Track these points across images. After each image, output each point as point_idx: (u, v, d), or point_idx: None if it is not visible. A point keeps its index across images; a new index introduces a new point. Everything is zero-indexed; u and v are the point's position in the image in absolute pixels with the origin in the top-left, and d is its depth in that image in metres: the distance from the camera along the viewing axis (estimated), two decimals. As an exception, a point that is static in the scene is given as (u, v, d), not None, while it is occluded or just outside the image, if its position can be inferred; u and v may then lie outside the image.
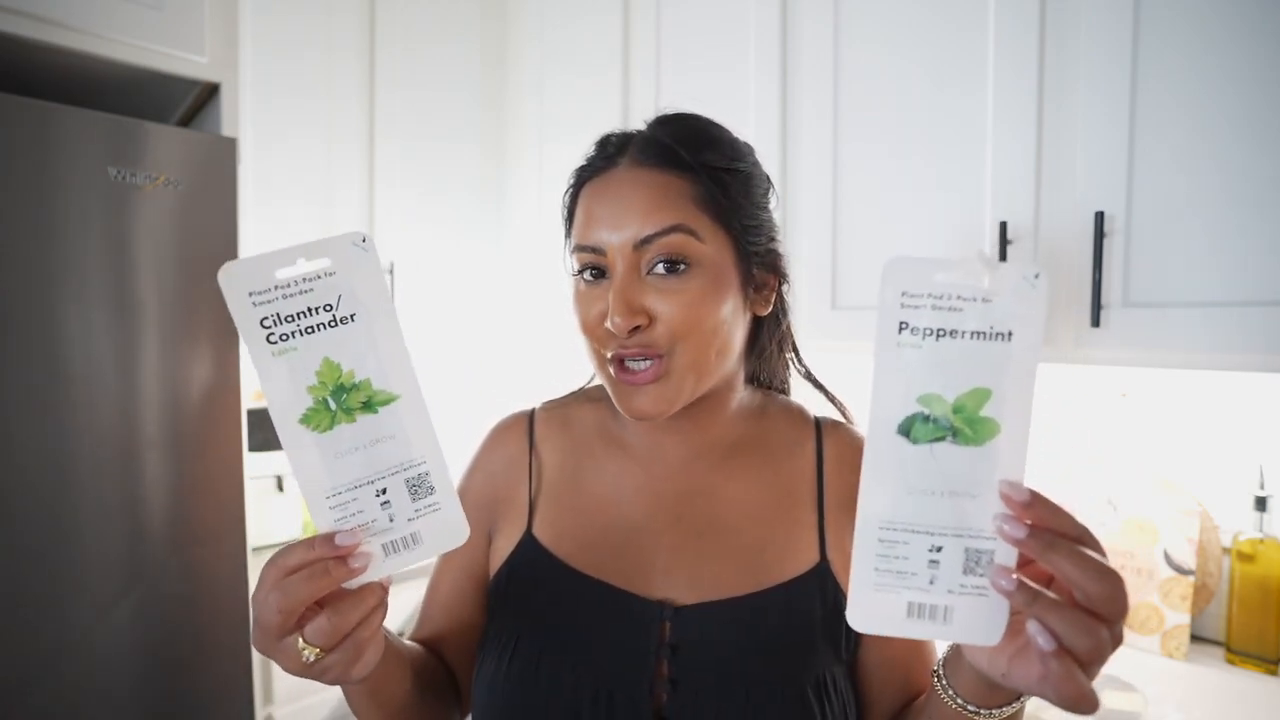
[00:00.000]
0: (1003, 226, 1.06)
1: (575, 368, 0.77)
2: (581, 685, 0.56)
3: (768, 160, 0.73)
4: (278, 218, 1.58)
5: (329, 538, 0.42)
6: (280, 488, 1.80)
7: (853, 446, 0.65)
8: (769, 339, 0.67)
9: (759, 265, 0.61)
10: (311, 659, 0.42)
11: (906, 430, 0.39)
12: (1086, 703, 0.37)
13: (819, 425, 0.67)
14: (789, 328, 0.68)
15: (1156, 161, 0.95)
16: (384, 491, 0.44)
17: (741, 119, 1.41)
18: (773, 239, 0.63)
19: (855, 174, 1.27)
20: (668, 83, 1.58)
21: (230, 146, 1.25)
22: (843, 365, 1.56)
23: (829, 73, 1.29)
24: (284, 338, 0.41)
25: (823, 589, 0.59)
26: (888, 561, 0.40)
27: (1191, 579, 1.14)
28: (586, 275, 0.59)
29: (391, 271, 1.74)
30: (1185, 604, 1.13)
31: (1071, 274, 1.02)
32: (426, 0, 1.80)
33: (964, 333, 0.38)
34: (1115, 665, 1.10)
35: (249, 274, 0.41)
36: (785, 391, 0.72)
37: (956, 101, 1.14)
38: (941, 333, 0.39)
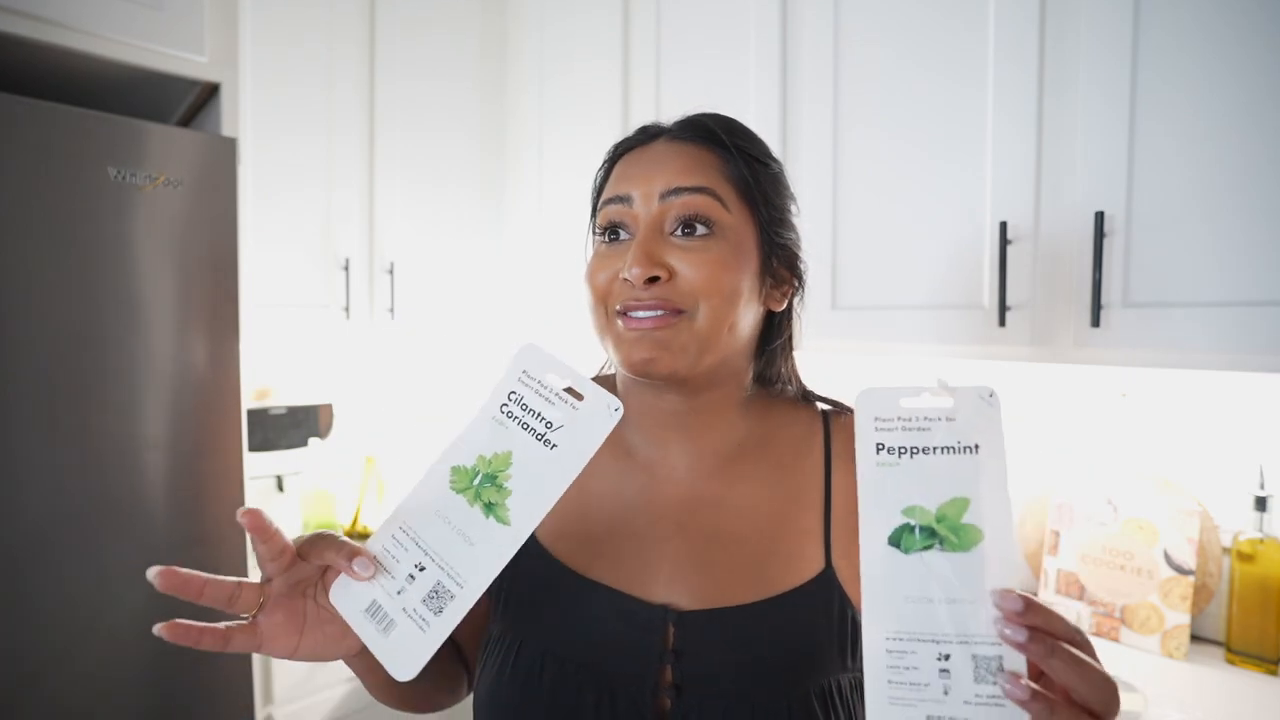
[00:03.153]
0: (1003, 226, 1.06)
1: (576, 361, 0.77)
2: (585, 689, 0.55)
3: (768, 160, 0.73)
4: (278, 217, 1.58)
5: (354, 554, 0.47)
6: (280, 488, 1.80)
7: None
8: (777, 338, 0.66)
9: (779, 259, 0.62)
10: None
11: (897, 541, 0.42)
12: None
13: (826, 420, 0.66)
14: (790, 338, 0.68)
15: (1157, 161, 0.95)
16: (421, 569, 0.47)
17: (741, 113, 1.41)
18: (793, 239, 0.64)
19: (855, 173, 1.27)
20: (668, 76, 1.58)
21: (230, 146, 1.25)
22: (843, 365, 1.57)
23: (829, 70, 1.29)
24: (509, 414, 0.49)
25: (827, 596, 0.58)
26: (899, 673, 0.40)
27: (1191, 579, 1.14)
28: (607, 236, 0.60)
29: (391, 271, 1.74)
30: (1185, 604, 1.13)
31: (1071, 274, 1.02)
32: None
33: (935, 448, 0.42)
34: (1115, 665, 1.10)
35: (541, 359, 0.50)
36: (792, 388, 0.70)
37: (956, 100, 1.14)
38: (915, 450, 0.42)
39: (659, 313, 0.55)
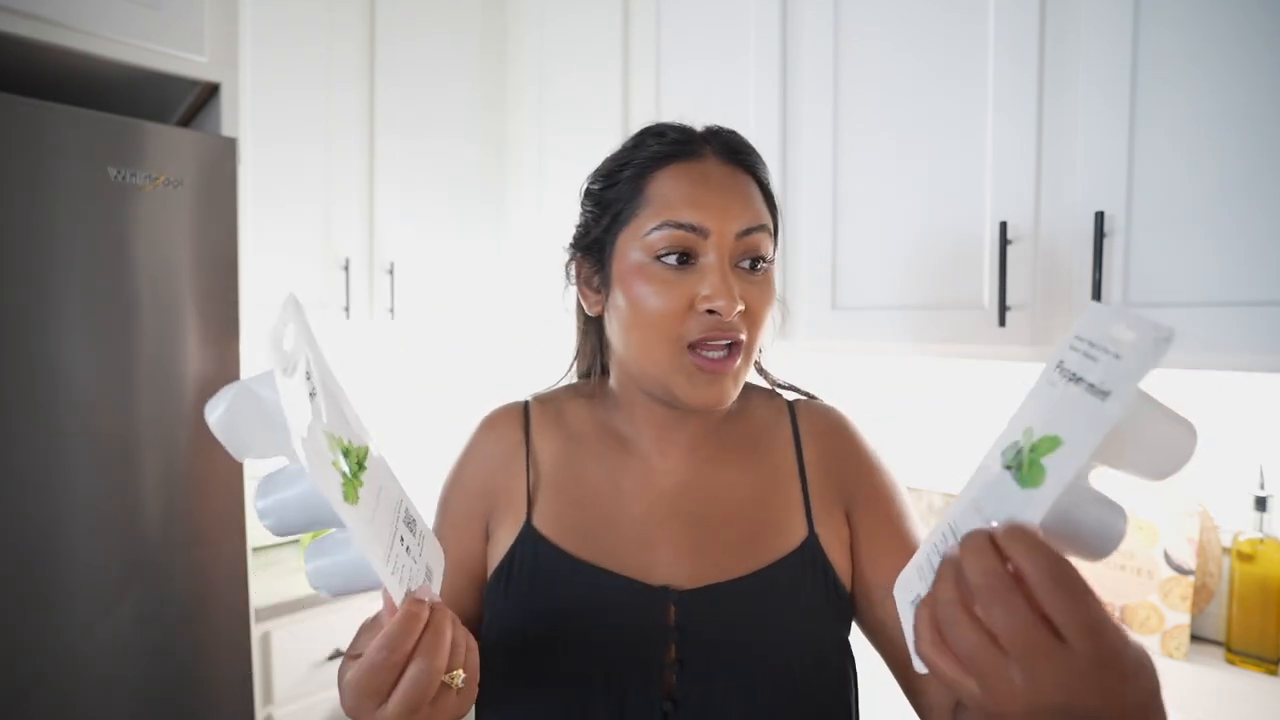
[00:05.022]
0: (1003, 226, 1.06)
1: (564, 363, 0.77)
2: (593, 670, 0.57)
3: (768, 159, 0.73)
4: (278, 217, 1.58)
5: (418, 601, 0.43)
6: (280, 488, 1.80)
7: (823, 419, 0.70)
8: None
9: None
10: (461, 682, 0.45)
11: (1005, 453, 0.40)
12: (960, 688, 0.35)
13: (791, 406, 0.71)
14: None
15: (1157, 161, 0.95)
16: (402, 539, 0.45)
17: (741, 112, 1.41)
18: None
19: (855, 173, 1.27)
20: (668, 76, 1.58)
21: (230, 146, 1.25)
22: (843, 365, 1.57)
23: (829, 70, 1.29)
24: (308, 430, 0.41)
25: (813, 561, 0.62)
26: (933, 551, 0.41)
27: (1191, 579, 1.14)
28: (671, 259, 0.58)
29: (391, 271, 1.74)
30: (1185, 604, 1.13)
31: (1071, 274, 1.02)
32: None
33: (1084, 381, 0.37)
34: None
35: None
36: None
37: (957, 100, 1.14)
38: (1074, 377, 0.38)
39: (726, 345, 0.58)
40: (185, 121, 1.44)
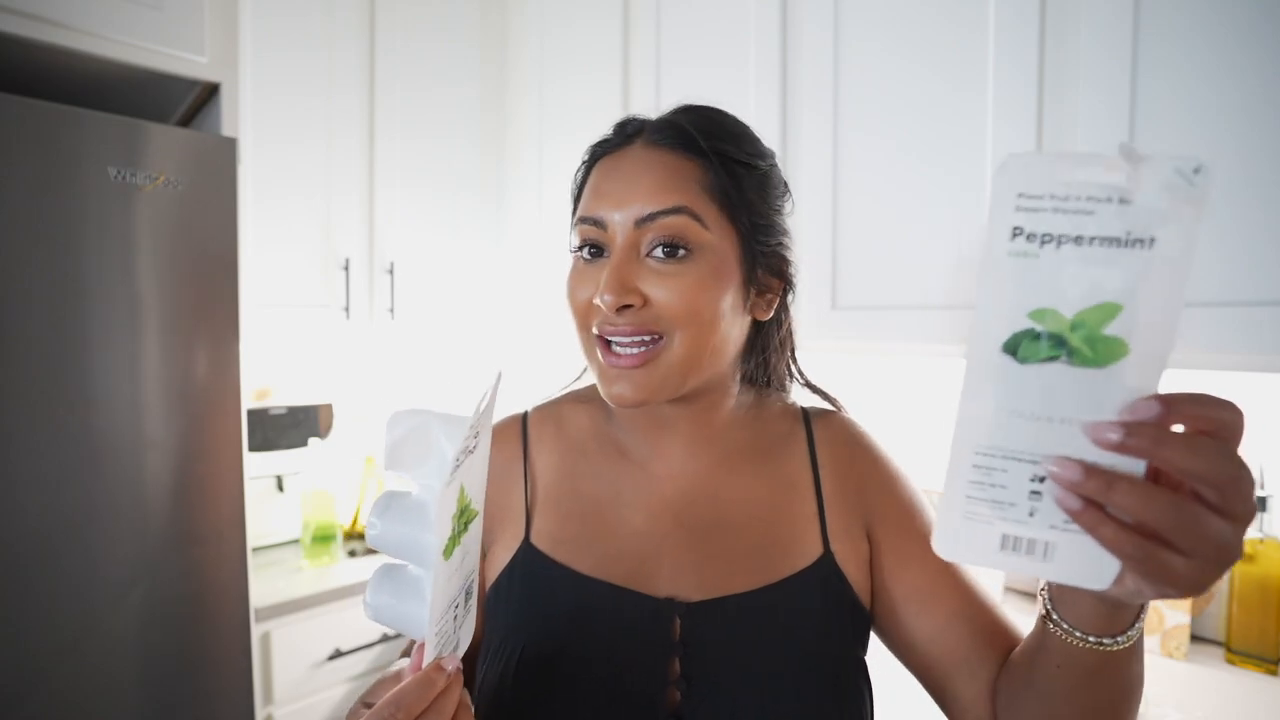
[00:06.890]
0: (1003, 226, 1.06)
1: (576, 365, 0.78)
2: (595, 687, 0.55)
3: (768, 160, 0.73)
4: (278, 217, 1.58)
5: (439, 669, 0.43)
6: (280, 488, 1.80)
7: (842, 431, 0.66)
8: (767, 344, 0.66)
9: (764, 267, 0.60)
10: None
11: (1013, 349, 0.34)
12: (1177, 583, 0.33)
13: (807, 416, 0.67)
14: (790, 331, 0.68)
15: (1156, 161, 0.95)
16: (457, 606, 0.46)
17: (741, 114, 1.40)
18: (781, 243, 0.63)
19: (855, 173, 1.27)
20: (668, 79, 1.58)
21: (230, 146, 1.25)
22: (843, 366, 1.56)
23: (829, 72, 1.29)
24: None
25: (828, 580, 0.58)
26: (982, 489, 0.35)
27: (1191, 579, 1.14)
28: (585, 253, 0.58)
29: (391, 271, 1.74)
30: (1185, 604, 1.13)
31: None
32: None
33: (1092, 239, 0.32)
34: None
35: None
36: (784, 389, 0.71)
37: (957, 101, 1.14)
38: (1064, 239, 0.32)
39: (638, 339, 0.54)
40: (185, 121, 1.45)
